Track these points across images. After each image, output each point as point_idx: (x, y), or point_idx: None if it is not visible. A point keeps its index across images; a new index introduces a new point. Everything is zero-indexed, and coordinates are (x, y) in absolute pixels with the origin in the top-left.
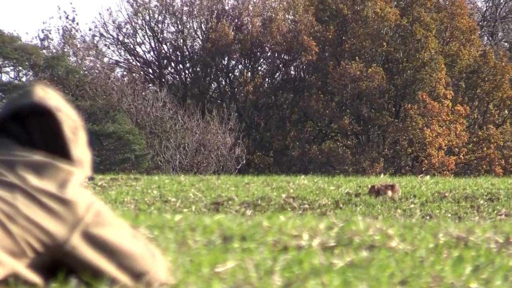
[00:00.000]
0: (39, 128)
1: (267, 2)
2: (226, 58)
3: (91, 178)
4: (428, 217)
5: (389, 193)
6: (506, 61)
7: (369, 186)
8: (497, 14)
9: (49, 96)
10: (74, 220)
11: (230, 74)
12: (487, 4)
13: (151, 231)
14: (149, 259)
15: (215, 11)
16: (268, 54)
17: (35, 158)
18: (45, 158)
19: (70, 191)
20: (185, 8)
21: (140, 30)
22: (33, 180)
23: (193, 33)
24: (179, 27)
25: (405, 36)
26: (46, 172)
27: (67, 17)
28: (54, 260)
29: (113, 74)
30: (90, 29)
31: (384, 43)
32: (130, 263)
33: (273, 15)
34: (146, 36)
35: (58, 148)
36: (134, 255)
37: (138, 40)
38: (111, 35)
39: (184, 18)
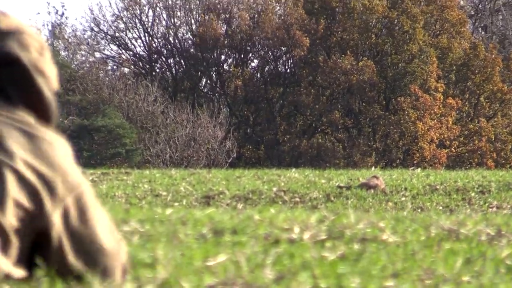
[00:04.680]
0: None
1: None
2: (215, 53)
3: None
4: (419, 210)
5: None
6: (496, 54)
7: (361, 180)
8: (490, 6)
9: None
10: (55, 198)
11: (220, 69)
12: None
13: (142, 225)
14: (116, 257)
15: (206, 5)
16: (258, 48)
17: (22, 126)
18: (31, 128)
19: (56, 167)
20: (178, 2)
21: (130, 25)
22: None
23: (184, 27)
24: (171, 20)
25: (392, 28)
26: (32, 144)
27: (56, 12)
28: (32, 241)
29: (104, 68)
30: (81, 23)
31: (373, 35)
32: (99, 257)
33: (263, 8)
34: (136, 30)
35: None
36: (105, 250)
37: (129, 34)
38: (101, 29)
39: (177, 12)
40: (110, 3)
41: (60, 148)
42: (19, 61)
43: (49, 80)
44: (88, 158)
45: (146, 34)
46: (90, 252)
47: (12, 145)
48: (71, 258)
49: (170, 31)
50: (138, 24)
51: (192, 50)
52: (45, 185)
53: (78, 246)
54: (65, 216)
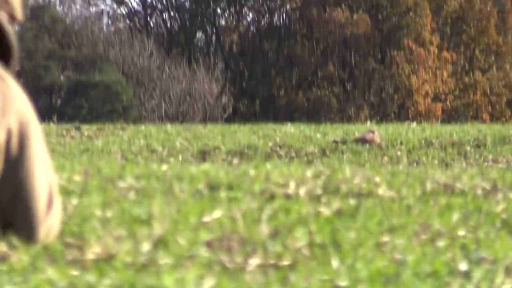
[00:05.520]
0: None
1: None
2: (211, 6)
3: (77, 128)
4: (415, 164)
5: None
6: (491, 6)
7: (356, 134)
8: None
9: None
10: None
11: (215, 23)
12: None
13: (137, 181)
14: (44, 214)
15: None
16: (253, 1)
17: None
18: None
19: None
20: None
21: None
22: None
23: None
24: None
25: None
26: None
27: None
28: None
29: (99, 23)
30: None
31: None
32: (25, 201)
33: None
34: None
35: None
36: (35, 197)
37: None
38: None
39: None
40: None
41: (16, 87)
42: None
43: (11, 8)
44: (84, 114)
45: None
46: (20, 190)
47: None
48: None
49: None
50: None
51: (187, 4)
52: None
53: (10, 177)
54: (7, 138)
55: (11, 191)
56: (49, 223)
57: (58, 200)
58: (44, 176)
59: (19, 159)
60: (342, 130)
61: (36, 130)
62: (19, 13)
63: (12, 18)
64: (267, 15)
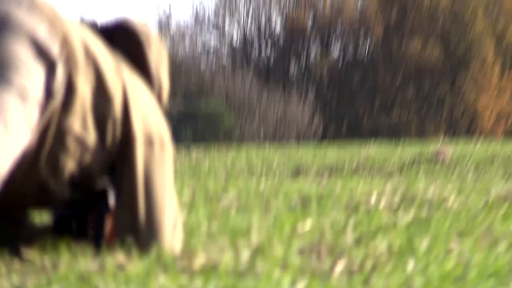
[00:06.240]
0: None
1: None
2: (301, 43)
3: (187, 146)
4: (480, 178)
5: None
6: None
7: (430, 150)
8: None
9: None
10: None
11: (306, 57)
12: None
13: (238, 196)
14: (171, 224)
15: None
16: (340, 35)
17: None
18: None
19: None
20: None
21: (227, 16)
22: None
23: (273, 18)
24: (260, 10)
25: (458, 13)
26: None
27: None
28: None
29: (205, 61)
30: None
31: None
32: (161, 215)
33: None
34: (232, 21)
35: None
36: (163, 215)
37: (226, 27)
38: (203, 19)
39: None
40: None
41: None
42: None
43: (160, 90)
44: (191, 138)
45: (240, 26)
46: (154, 200)
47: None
48: (142, 203)
49: (262, 20)
50: (233, 15)
51: (281, 41)
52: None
53: (146, 186)
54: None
55: (145, 196)
56: (172, 243)
57: (180, 222)
58: (172, 193)
59: (153, 169)
60: (418, 147)
61: (169, 152)
62: (164, 97)
63: (159, 97)
64: (351, 49)
